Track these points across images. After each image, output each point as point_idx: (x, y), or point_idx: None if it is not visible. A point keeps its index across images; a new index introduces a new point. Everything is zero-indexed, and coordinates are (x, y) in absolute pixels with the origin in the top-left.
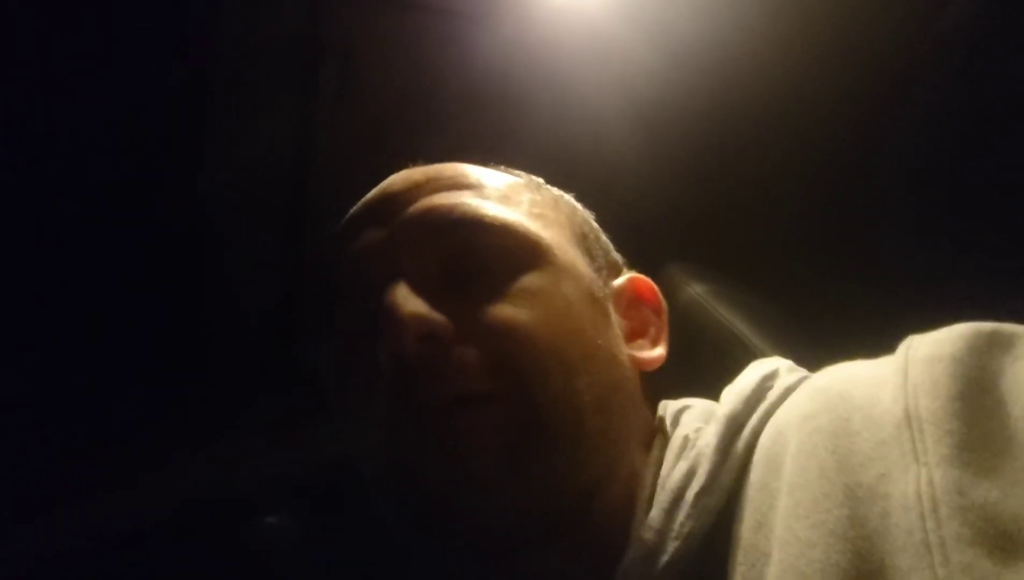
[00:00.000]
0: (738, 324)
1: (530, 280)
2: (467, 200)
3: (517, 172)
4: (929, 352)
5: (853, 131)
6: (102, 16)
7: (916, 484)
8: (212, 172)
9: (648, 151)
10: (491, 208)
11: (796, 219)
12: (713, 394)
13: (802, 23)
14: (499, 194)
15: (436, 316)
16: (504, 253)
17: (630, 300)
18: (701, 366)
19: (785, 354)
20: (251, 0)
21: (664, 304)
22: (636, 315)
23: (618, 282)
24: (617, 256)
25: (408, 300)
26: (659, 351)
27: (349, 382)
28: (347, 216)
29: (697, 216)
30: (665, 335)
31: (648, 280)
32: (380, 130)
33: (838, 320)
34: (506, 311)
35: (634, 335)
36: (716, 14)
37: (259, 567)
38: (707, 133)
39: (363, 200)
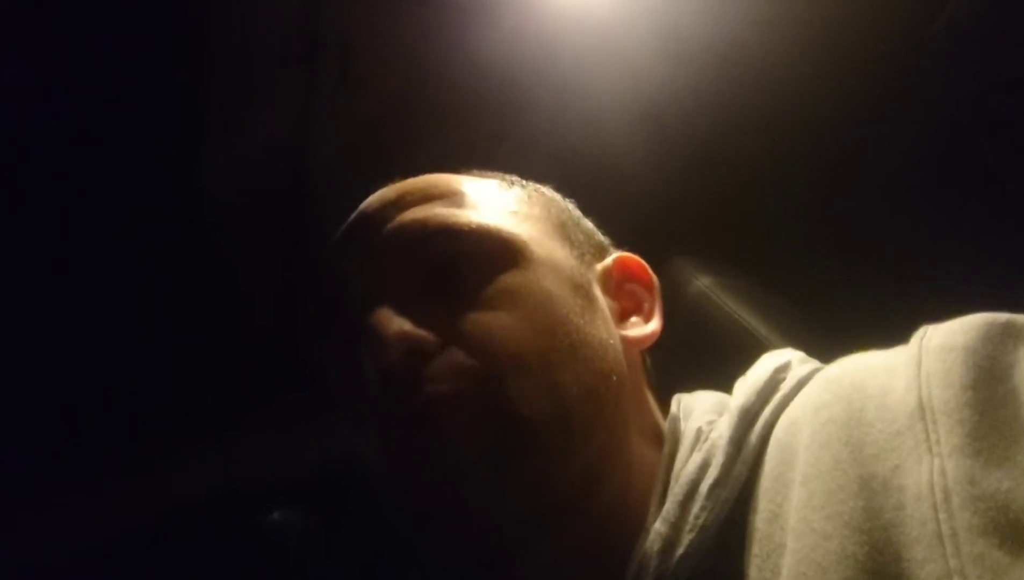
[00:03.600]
0: (745, 315)
1: (507, 279)
2: (438, 210)
3: (489, 173)
4: (942, 342)
5: (859, 122)
6: (98, 5)
7: (929, 475)
8: (211, 165)
9: (653, 144)
10: (462, 214)
11: (802, 211)
12: (720, 385)
13: (806, 14)
14: (470, 200)
15: (418, 332)
16: (479, 256)
17: (619, 279)
18: (709, 357)
19: (793, 345)
20: None
21: (655, 280)
22: (626, 294)
23: (604, 264)
24: (603, 238)
25: (391, 319)
26: (653, 326)
27: (344, 392)
28: (332, 238)
29: (703, 209)
30: (659, 309)
31: (636, 257)
32: (379, 122)
33: (845, 311)
34: (484, 315)
35: (626, 314)
36: (719, 7)
37: (268, 561)
38: (712, 126)
39: (345, 223)
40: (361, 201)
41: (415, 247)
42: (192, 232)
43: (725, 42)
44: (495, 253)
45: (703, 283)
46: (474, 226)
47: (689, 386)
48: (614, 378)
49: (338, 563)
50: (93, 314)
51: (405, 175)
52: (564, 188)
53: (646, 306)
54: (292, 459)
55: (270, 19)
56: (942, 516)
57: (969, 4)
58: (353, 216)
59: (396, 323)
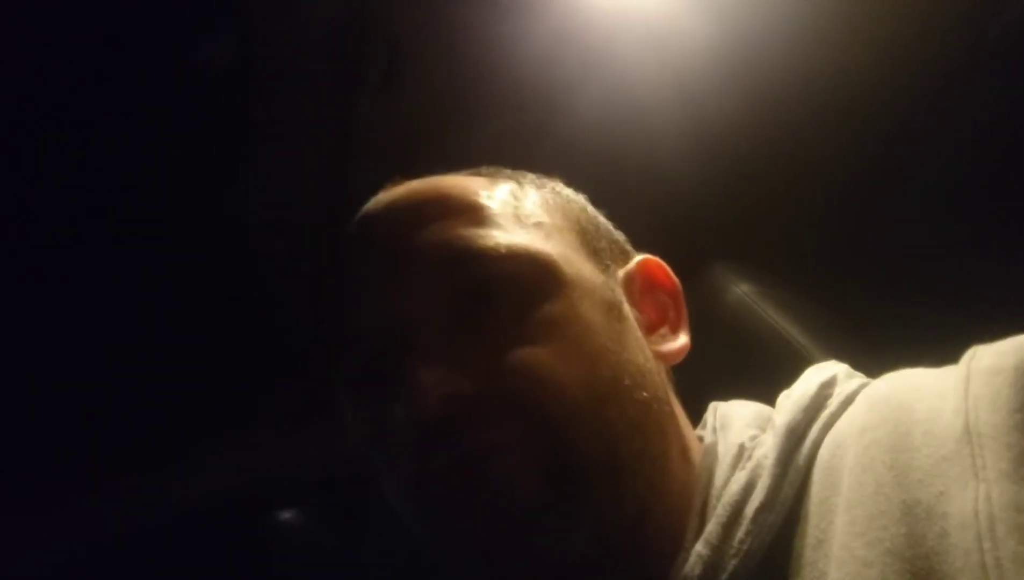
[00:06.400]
0: (785, 324)
1: (543, 308)
2: (460, 231)
3: (501, 173)
4: (991, 363)
5: (909, 133)
6: (142, 7)
7: (974, 501)
8: (254, 162)
9: (696, 148)
10: (488, 236)
11: (845, 219)
12: (757, 394)
13: (858, 21)
14: (491, 215)
15: (455, 376)
16: (511, 282)
17: (643, 286)
18: (746, 365)
19: (833, 356)
20: None
21: (678, 285)
22: (652, 302)
23: (628, 268)
24: (619, 236)
25: (425, 362)
26: (682, 340)
27: (367, 436)
28: (342, 245)
29: (745, 215)
30: (685, 319)
31: (658, 261)
32: (424, 121)
33: (888, 323)
34: (524, 352)
35: (653, 326)
36: (769, 14)
37: (272, 562)
38: (758, 132)
39: (351, 235)
40: None
41: (441, 275)
42: (228, 238)
43: (774, 48)
44: (527, 277)
45: (742, 290)
46: (503, 250)
47: (725, 394)
48: (655, 406)
49: (347, 563)
50: (110, 318)
51: (444, 171)
52: (605, 190)
53: (671, 316)
54: (301, 461)
55: (318, 16)
56: (986, 545)
57: None
58: (358, 228)
59: (431, 369)
